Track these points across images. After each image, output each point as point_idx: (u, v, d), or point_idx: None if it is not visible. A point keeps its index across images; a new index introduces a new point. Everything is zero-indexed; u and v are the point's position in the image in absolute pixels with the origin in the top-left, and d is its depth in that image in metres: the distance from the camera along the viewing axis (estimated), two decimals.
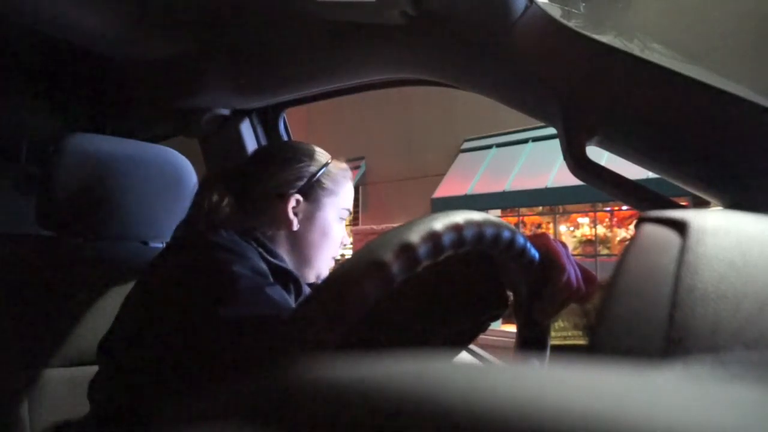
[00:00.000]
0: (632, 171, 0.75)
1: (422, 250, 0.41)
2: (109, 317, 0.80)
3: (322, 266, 0.89)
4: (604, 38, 0.72)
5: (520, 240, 0.50)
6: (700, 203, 0.74)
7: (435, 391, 0.16)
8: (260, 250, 0.79)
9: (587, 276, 0.57)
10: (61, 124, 1.55)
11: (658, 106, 0.68)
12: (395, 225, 0.44)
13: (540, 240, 0.55)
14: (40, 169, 1.07)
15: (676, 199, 0.71)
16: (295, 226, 0.85)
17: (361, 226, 9.32)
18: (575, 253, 7.90)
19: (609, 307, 0.29)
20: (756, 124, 0.62)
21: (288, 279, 0.80)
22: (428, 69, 0.92)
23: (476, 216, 0.45)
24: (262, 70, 1.13)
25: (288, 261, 0.85)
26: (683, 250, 0.29)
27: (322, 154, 0.91)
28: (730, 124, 0.63)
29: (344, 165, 0.93)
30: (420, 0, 0.79)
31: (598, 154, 0.72)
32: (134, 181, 1.08)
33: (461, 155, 8.74)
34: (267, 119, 1.36)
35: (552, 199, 7.53)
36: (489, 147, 8.41)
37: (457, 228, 0.43)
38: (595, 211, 8.19)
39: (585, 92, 0.73)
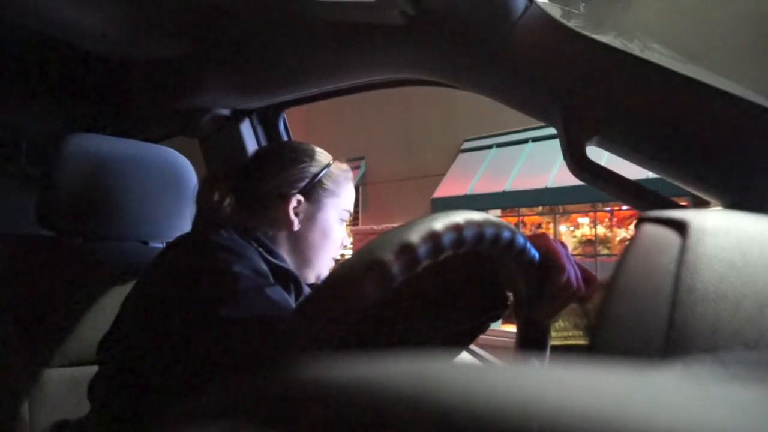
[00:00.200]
0: (632, 171, 0.75)
1: (422, 250, 0.41)
2: (109, 317, 0.80)
3: (322, 267, 0.89)
4: (604, 38, 0.72)
5: (520, 240, 0.50)
6: (700, 203, 0.74)
7: (435, 391, 0.16)
8: (260, 250, 0.79)
9: (587, 276, 0.57)
10: (61, 124, 1.55)
11: (658, 106, 0.68)
12: (395, 225, 0.44)
13: (540, 240, 0.55)
14: (40, 169, 1.07)
15: (676, 199, 0.71)
16: (296, 227, 0.85)
17: (361, 226, 9.32)
18: (575, 253, 7.90)
19: (609, 307, 0.29)
20: (756, 124, 0.62)
21: (288, 279, 0.80)
22: (428, 69, 0.92)
23: (476, 216, 0.45)
24: (262, 70, 1.13)
25: (288, 261, 0.85)
26: (683, 250, 0.29)
27: (323, 155, 0.91)
28: (730, 124, 0.63)
29: (345, 166, 0.93)
30: (420, 0, 0.79)
31: (598, 154, 0.72)
32: (134, 181, 1.08)
33: (461, 155, 8.74)
34: (267, 119, 1.36)
35: (552, 199, 7.52)
36: (489, 147, 8.40)
37: (457, 228, 0.43)
38: (595, 211, 8.18)
39: (585, 92, 0.73)
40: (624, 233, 7.87)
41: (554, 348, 0.62)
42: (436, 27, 0.83)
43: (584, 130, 0.72)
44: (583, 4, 0.80)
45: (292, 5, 0.91)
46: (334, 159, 0.92)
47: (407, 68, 0.96)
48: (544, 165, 7.25)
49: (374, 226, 8.70)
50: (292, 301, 0.76)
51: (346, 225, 0.94)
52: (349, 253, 0.89)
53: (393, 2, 0.79)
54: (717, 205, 0.66)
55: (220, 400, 0.19)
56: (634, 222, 0.34)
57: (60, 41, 1.12)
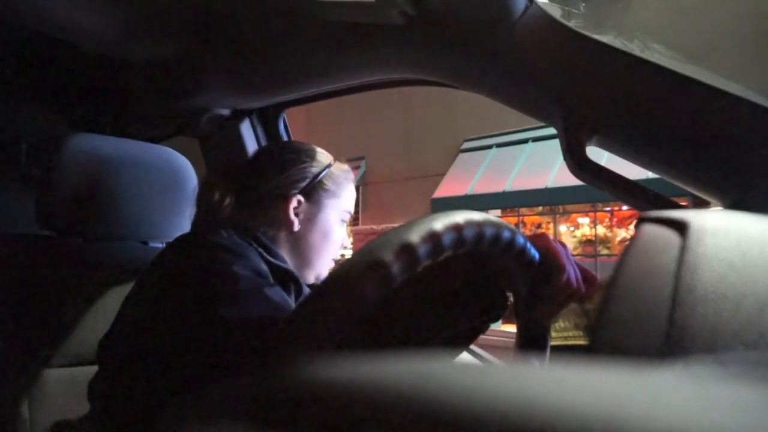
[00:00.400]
0: (632, 171, 0.75)
1: (422, 250, 0.41)
2: (109, 317, 0.80)
3: (322, 267, 0.89)
4: (604, 38, 0.72)
5: (520, 240, 0.50)
6: (700, 203, 0.74)
7: (435, 391, 0.16)
8: (260, 250, 0.79)
9: (587, 276, 0.57)
10: (61, 124, 1.55)
11: (658, 106, 0.68)
12: (395, 225, 0.44)
13: (540, 240, 0.55)
14: (40, 169, 1.07)
15: (676, 199, 0.71)
16: (296, 227, 0.85)
17: (361, 226, 9.32)
18: (575, 253, 7.89)
19: (609, 307, 0.29)
20: (756, 124, 0.62)
21: (288, 279, 0.80)
22: (428, 69, 0.92)
23: (476, 216, 0.45)
24: (262, 70, 1.13)
25: (288, 262, 0.85)
26: (683, 250, 0.29)
27: (324, 155, 0.91)
28: (730, 124, 0.63)
29: (346, 167, 0.93)
30: (420, 0, 0.79)
31: (598, 154, 0.72)
32: (134, 181, 1.08)
33: (461, 155, 8.74)
34: (267, 119, 1.36)
35: (552, 199, 7.52)
36: (489, 147, 8.41)
37: (457, 228, 0.43)
38: (595, 211, 8.18)
39: (585, 92, 0.73)
40: (624, 233, 7.87)
41: (554, 348, 0.62)
42: (436, 27, 0.83)
43: (584, 130, 0.72)
44: (583, 4, 0.80)
45: (292, 5, 0.91)
46: (335, 159, 0.92)
47: (407, 68, 0.96)
48: (544, 165, 7.25)
49: (374, 227, 8.70)
50: (291, 301, 0.76)
51: (346, 225, 0.94)
52: (349, 254, 0.88)
53: (393, 2, 0.79)
54: (717, 205, 0.66)
55: (220, 400, 0.19)
56: (634, 222, 0.34)
57: (60, 41, 1.12)
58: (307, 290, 0.82)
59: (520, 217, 8.72)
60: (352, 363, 0.18)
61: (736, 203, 0.64)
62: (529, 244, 0.52)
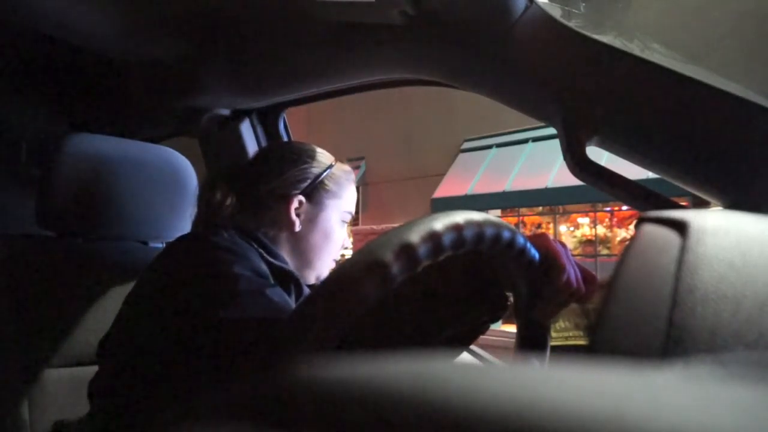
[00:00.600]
0: (632, 171, 0.75)
1: (422, 250, 0.41)
2: (109, 317, 0.80)
3: (322, 268, 0.89)
4: (604, 38, 0.72)
5: (520, 240, 0.50)
6: (700, 203, 0.74)
7: (435, 391, 0.16)
8: (261, 250, 0.79)
9: (587, 276, 0.57)
10: (61, 124, 1.56)
11: (658, 106, 0.68)
12: (395, 225, 0.44)
13: (540, 240, 0.55)
14: (40, 169, 1.07)
15: (676, 199, 0.71)
16: (297, 227, 0.85)
17: (361, 226, 9.32)
18: (575, 253, 7.89)
19: (609, 307, 0.29)
20: (756, 124, 0.62)
21: (289, 280, 0.80)
22: (428, 69, 0.92)
23: (476, 216, 0.45)
24: (262, 70, 1.13)
25: (289, 262, 0.85)
26: (683, 250, 0.29)
27: (325, 156, 0.91)
28: (730, 124, 0.63)
29: (347, 167, 0.93)
30: (420, 0, 0.79)
31: (598, 154, 0.72)
32: (134, 181, 1.08)
33: (461, 155, 8.74)
34: (267, 119, 1.36)
35: (552, 199, 7.52)
36: (489, 147, 8.41)
37: (457, 228, 0.43)
38: (595, 211, 8.18)
39: (585, 92, 0.73)
40: (624, 233, 7.87)
41: (554, 348, 0.62)
42: (436, 27, 0.83)
43: (584, 130, 0.72)
44: (583, 4, 0.80)
45: (292, 5, 0.91)
46: (336, 160, 0.92)
47: (407, 68, 0.96)
48: (544, 165, 7.25)
49: (374, 227, 8.69)
50: (292, 302, 0.76)
51: (347, 226, 0.94)
52: (349, 254, 0.88)
53: (393, 2, 0.79)
54: (717, 205, 0.66)
55: (220, 400, 0.19)
56: (634, 222, 0.34)
57: (60, 41, 1.12)
58: (307, 291, 0.82)
59: (520, 217, 8.72)
60: (352, 363, 0.18)
61: (736, 203, 0.64)
62: (529, 244, 0.51)
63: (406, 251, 0.40)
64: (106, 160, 1.04)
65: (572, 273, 0.55)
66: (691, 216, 0.32)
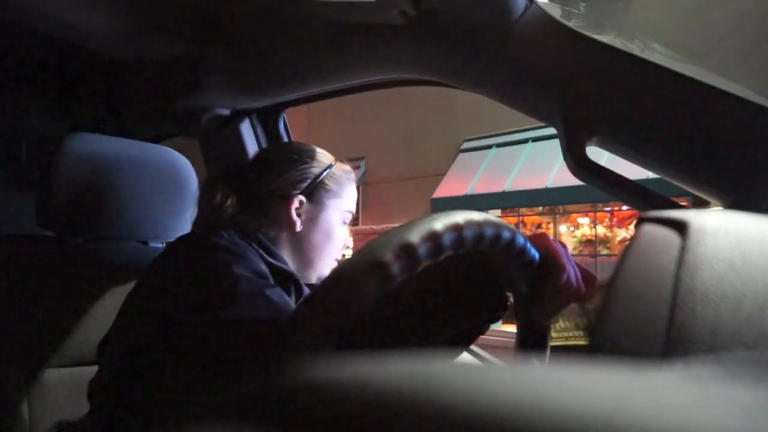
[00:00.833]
0: (632, 171, 0.75)
1: (422, 250, 0.41)
2: (109, 317, 0.80)
3: (324, 268, 0.89)
4: (604, 38, 0.72)
5: (520, 240, 0.50)
6: (700, 203, 0.74)
7: (435, 391, 0.16)
8: (261, 251, 0.79)
9: (587, 276, 0.57)
10: (61, 124, 1.56)
11: (658, 106, 0.68)
12: (395, 225, 0.44)
13: (540, 240, 0.55)
14: (40, 169, 1.07)
15: (676, 199, 0.71)
16: (298, 228, 0.85)
17: (361, 226, 9.32)
18: (575, 253, 7.89)
19: (609, 307, 0.29)
20: (756, 124, 0.62)
21: (288, 280, 0.80)
22: (428, 69, 0.92)
23: (476, 216, 0.45)
24: (262, 70, 1.13)
25: (290, 262, 0.85)
26: (683, 250, 0.29)
27: (325, 156, 0.91)
28: (730, 124, 0.63)
29: (348, 167, 0.93)
30: (420, 0, 0.79)
31: (598, 154, 0.72)
32: (134, 181, 1.08)
33: (461, 155, 8.74)
34: (267, 119, 1.36)
35: (552, 199, 7.53)
36: (489, 147, 8.41)
37: (457, 228, 0.43)
38: (595, 211, 8.18)
39: (585, 92, 0.73)
40: (624, 233, 7.87)
41: (554, 348, 0.62)
42: (436, 27, 0.83)
43: (584, 130, 0.72)
44: (583, 4, 0.80)
45: (292, 5, 0.91)
46: (336, 159, 0.92)
47: (407, 68, 0.96)
48: (544, 165, 7.25)
49: (374, 226, 8.69)
50: (292, 302, 0.76)
51: (348, 225, 0.94)
52: (349, 253, 0.88)
53: (393, 2, 0.79)
54: (717, 205, 0.66)
55: (220, 401, 0.19)
56: (634, 222, 0.34)
57: (60, 41, 1.12)
58: (307, 291, 0.82)
59: (520, 217, 8.72)
60: (353, 363, 0.18)
61: (736, 203, 0.64)
62: (529, 244, 0.52)
63: (406, 251, 0.40)
64: (106, 160, 1.04)
65: (572, 273, 0.55)
66: (691, 216, 0.32)
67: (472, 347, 1.07)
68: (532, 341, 0.61)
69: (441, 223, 0.42)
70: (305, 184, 0.86)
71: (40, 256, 1.01)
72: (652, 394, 0.15)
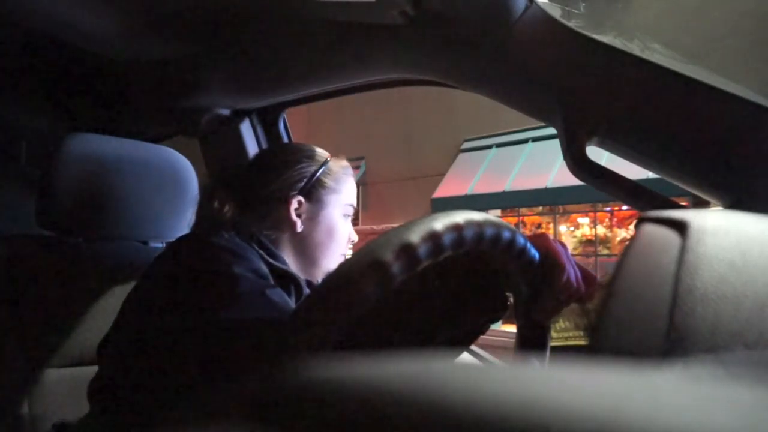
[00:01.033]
0: (632, 171, 0.75)
1: (422, 250, 0.41)
2: (109, 317, 0.80)
3: (330, 264, 0.88)
4: (604, 38, 0.72)
5: (520, 240, 0.50)
6: (700, 203, 0.74)
7: (435, 391, 0.16)
8: (261, 252, 0.79)
9: (587, 276, 0.57)
10: (61, 124, 1.56)
11: (658, 106, 0.68)
12: (395, 225, 0.44)
13: (540, 240, 0.55)
14: (40, 169, 1.07)
15: (676, 199, 0.71)
16: (299, 228, 0.85)
17: (361, 226, 9.31)
18: (575, 253, 7.89)
19: (609, 307, 0.29)
20: (756, 124, 0.62)
21: (289, 281, 0.80)
22: (428, 69, 0.92)
23: (476, 216, 0.45)
24: (262, 70, 1.13)
25: (294, 263, 0.85)
26: (683, 250, 0.29)
27: (320, 154, 0.90)
28: (730, 124, 0.63)
29: (345, 162, 0.93)
30: (420, 0, 0.79)
31: (598, 154, 0.72)
32: (134, 181, 1.08)
33: (461, 155, 8.74)
34: (267, 119, 1.36)
35: (552, 199, 7.52)
36: (489, 147, 8.40)
37: (457, 228, 0.43)
38: (595, 211, 8.18)
39: (585, 92, 0.73)
40: (624, 233, 7.86)
41: (554, 348, 0.62)
42: (436, 27, 0.83)
43: (584, 130, 0.72)
44: (583, 4, 0.80)
45: (292, 5, 0.91)
46: (332, 156, 0.92)
47: (407, 68, 0.96)
48: (544, 165, 7.25)
49: (374, 226, 8.69)
50: (292, 303, 0.76)
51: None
52: (349, 253, 0.88)
53: (393, 2, 0.79)
54: (717, 205, 0.66)
55: (220, 401, 0.19)
56: (634, 222, 0.34)
57: (60, 41, 1.12)
58: (307, 291, 0.82)
59: (520, 217, 8.72)
60: (353, 363, 0.18)
61: (736, 203, 0.64)
62: (529, 244, 0.52)
63: (406, 251, 0.40)
64: (106, 160, 1.04)
65: (572, 273, 0.55)
66: (691, 216, 0.32)
67: (472, 347, 1.07)
68: (532, 341, 0.61)
69: (441, 223, 0.42)
70: (302, 184, 0.85)
71: (40, 256, 1.01)
72: (652, 394, 0.15)
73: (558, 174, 6.97)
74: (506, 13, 0.77)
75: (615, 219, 8.17)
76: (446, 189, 8.41)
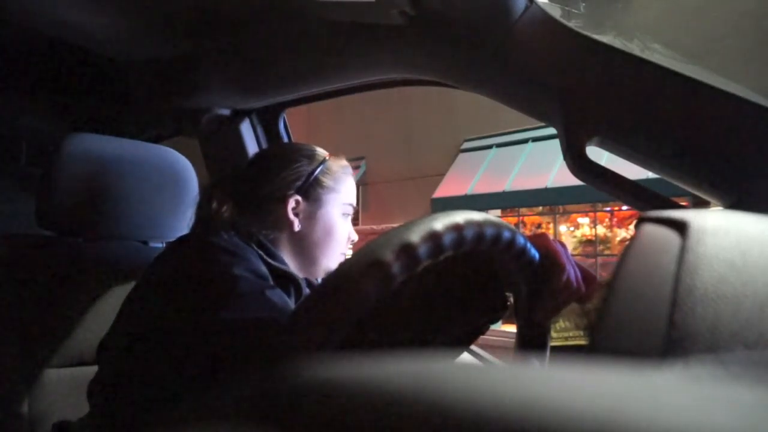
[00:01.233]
0: (632, 171, 0.75)
1: (422, 250, 0.41)
2: (109, 317, 0.80)
3: (329, 263, 0.88)
4: (604, 38, 0.72)
5: (520, 240, 0.50)
6: (700, 203, 0.75)
7: (435, 391, 0.16)
8: (260, 252, 0.79)
9: (587, 276, 0.57)
10: (61, 124, 1.56)
11: (658, 106, 0.68)
12: (395, 225, 0.44)
13: (540, 240, 0.55)
14: (40, 169, 1.07)
15: (676, 199, 0.71)
16: (297, 227, 0.84)
17: (361, 226, 9.31)
18: (575, 253, 7.89)
19: (609, 307, 0.29)
20: (756, 124, 0.62)
21: (288, 282, 0.80)
22: (428, 69, 0.92)
23: (476, 216, 0.45)
24: (262, 70, 1.13)
25: (293, 262, 0.85)
26: (683, 250, 0.29)
27: (319, 153, 0.90)
28: (730, 124, 0.63)
29: (343, 161, 0.92)
30: (420, 0, 0.79)
31: (598, 154, 0.72)
32: (134, 181, 1.08)
33: (461, 155, 8.74)
34: (267, 119, 1.36)
35: (552, 199, 7.52)
36: (489, 147, 8.40)
37: (457, 228, 0.43)
38: (595, 211, 8.18)
39: (585, 92, 0.73)
40: (624, 233, 7.86)
41: (554, 348, 0.62)
42: (436, 27, 0.83)
43: (584, 130, 0.72)
44: (583, 4, 0.80)
45: (292, 5, 0.91)
46: (331, 155, 0.92)
47: (407, 68, 0.96)
48: (544, 165, 7.25)
49: (374, 226, 8.69)
50: (292, 303, 0.76)
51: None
52: (350, 253, 0.88)
53: (393, 2, 0.79)
54: (717, 205, 0.66)
55: (220, 401, 0.19)
56: (634, 222, 0.34)
57: (60, 41, 1.12)
58: (307, 291, 0.82)
59: (520, 217, 8.72)
60: (353, 363, 0.18)
61: (736, 203, 0.64)
62: (529, 244, 0.51)
63: (407, 251, 0.40)
64: (106, 160, 1.04)
65: (572, 273, 0.55)
66: (691, 216, 0.32)
67: (472, 347, 1.07)
68: (532, 341, 0.61)
69: (441, 223, 0.42)
70: (299, 183, 0.85)
71: (40, 256, 1.01)
72: (652, 394, 0.15)
73: (558, 174, 6.97)
74: (506, 13, 0.77)
75: (615, 219, 8.17)
76: (446, 189, 8.40)
